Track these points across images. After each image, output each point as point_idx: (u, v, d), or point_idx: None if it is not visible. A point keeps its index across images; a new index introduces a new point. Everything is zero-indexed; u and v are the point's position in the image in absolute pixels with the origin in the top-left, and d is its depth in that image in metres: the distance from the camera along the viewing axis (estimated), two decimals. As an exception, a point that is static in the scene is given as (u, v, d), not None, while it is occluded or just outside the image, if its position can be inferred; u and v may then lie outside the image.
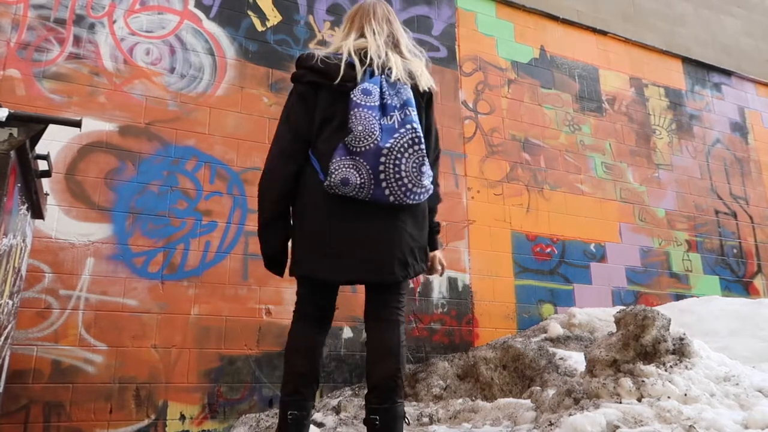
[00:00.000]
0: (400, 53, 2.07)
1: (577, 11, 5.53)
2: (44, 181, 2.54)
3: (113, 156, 3.47)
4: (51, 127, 2.07)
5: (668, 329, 2.55)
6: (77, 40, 3.55)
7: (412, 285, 4.07)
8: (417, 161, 1.84)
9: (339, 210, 1.87)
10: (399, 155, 1.82)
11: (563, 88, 5.23)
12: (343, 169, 1.80)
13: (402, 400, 1.90)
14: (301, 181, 1.95)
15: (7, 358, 2.50)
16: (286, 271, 2.05)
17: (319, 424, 2.98)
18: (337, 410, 3.19)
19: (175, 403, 3.25)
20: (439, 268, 2.22)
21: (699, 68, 6.14)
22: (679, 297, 4.99)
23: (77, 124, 2.18)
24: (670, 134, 5.67)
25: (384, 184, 1.81)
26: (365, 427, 1.89)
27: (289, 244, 2.03)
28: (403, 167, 1.81)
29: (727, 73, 6.31)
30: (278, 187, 1.95)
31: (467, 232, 4.38)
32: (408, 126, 1.86)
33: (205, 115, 3.76)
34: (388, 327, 1.97)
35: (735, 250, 5.57)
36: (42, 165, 2.34)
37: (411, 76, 2.02)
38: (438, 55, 4.72)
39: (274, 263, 2.04)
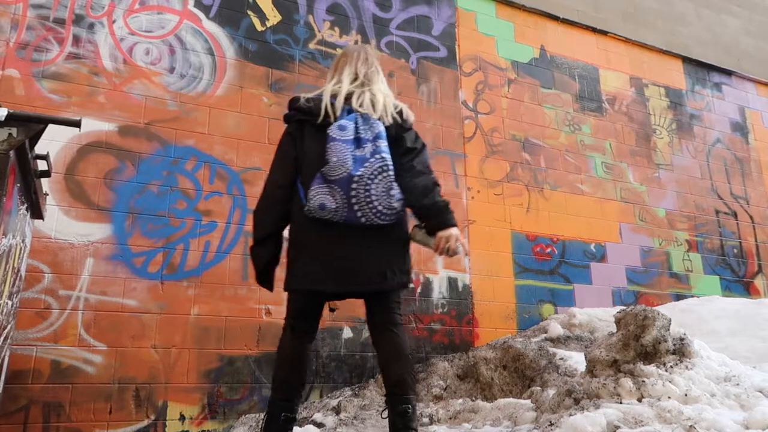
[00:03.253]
0: (371, 91, 2.32)
1: (577, 11, 5.52)
2: (44, 181, 2.54)
3: (113, 156, 3.46)
4: (50, 127, 2.07)
5: (668, 329, 2.55)
6: (76, 39, 3.55)
7: (412, 285, 4.06)
8: (386, 186, 2.09)
9: (321, 230, 2.11)
10: (369, 181, 2.07)
11: (563, 88, 5.23)
12: (320, 196, 2.07)
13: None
14: (292, 206, 2.21)
15: (6, 359, 2.50)
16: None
17: (319, 425, 2.98)
18: (337, 410, 3.19)
19: (174, 404, 3.25)
20: (454, 246, 2.18)
21: (699, 68, 6.13)
22: (679, 297, 4.99)
23: (77, 124, 2.18)
24: (670, 134, 5.67)
25: (356, 207, 2.07)
26: (386, 421, 2.09)
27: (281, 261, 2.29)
28: (373, 192, 2.07)
29: (728, 72, 6.30)
30: (271, 213, 2.24)
31: (467, 232, 4.37)
32: (378, 156, 2.12)
33: (204, 115, 3.75)
34: (393, 332, 2.17)
35: (735, 250, 5.57)
36: (41, 165, 2.34)
37: (384, 111, 2.28)
38: (438, 55, 4.72)
39: (263, 278, 2.29)
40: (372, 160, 2.10)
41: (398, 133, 2.27)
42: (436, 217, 2.19)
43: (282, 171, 2.25)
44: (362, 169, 2.07)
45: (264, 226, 2.24)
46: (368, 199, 2.06)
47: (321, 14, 4.35)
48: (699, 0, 6.40)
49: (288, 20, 4.21)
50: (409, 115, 2.34)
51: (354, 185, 2.05)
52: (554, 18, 5.39)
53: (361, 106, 2.25)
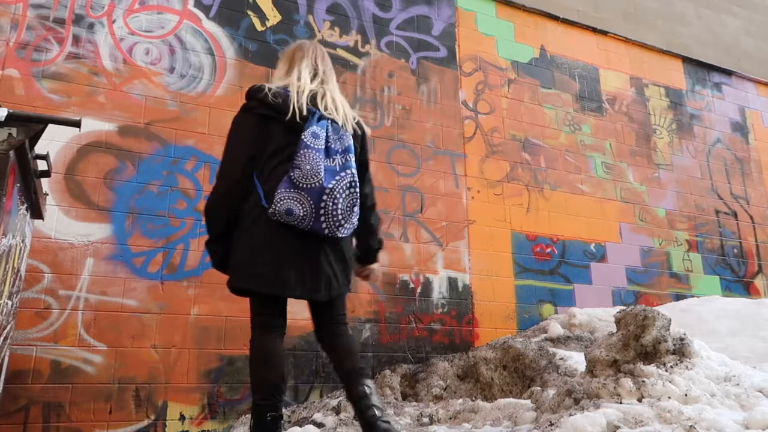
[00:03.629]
0: (330, 92, 2.31)
1: (577, 11, 5.52)
2: (43, 181, 2.54)
3: (113, 156, 3.46)
4: (50, 127, 2.07)
5: (668, 329, 2.55)
6: (76, 39, 3.55)
7: (412, 285, 4.07)
8: (351, 202, 2.14)
9: (283, 234, 2.09)
10: (338, 195, 2.10)
11: (563, 88, 5.23)
12: (288, 201, 2.05)
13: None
14: (248, 203, 2.15)
15: (6, 359, 2.50)
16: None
17: (319, 425, 2.98)
18: (337, 410, 3.19)
19: (174, 404, 3.25)
20: (374, 277, 2.57)
21: (699, 68, 6.13)
22: (679, 297, 4.99)
23: (77, 124, 2.18)
24: (670, 134, 5.67)
25: (323, 219, 2.08)
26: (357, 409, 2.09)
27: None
28: (340, 206, 2.10)
29: (728, 72, 6.30)
30: (227, 210, 2.16)
31: (467, 232, 4.37)
32: (348, 171, 2.14)
33: (204, 115, 3.75)
34: (343, 331, 2.24)
35: (735, 250, 5.57)
36: (41, 165, 2.34)
37: (345, 119, 2.28)
38: (438, 55, 4.71)
39: (222, 266, 2.26)
40: (342, 174, 2.13)
41: (362, 153, 2.34)
42: (375, 254, 2.45)
43: (238, 164, 2.15)
44: (333, 182, 2.09)
45: (219, 224, 2.17)
46: (334, 212, 2.09)
47: (321, 14, 4.35)
48: (699, 0, 6.40)
49: (288, 20, 4.21)
50: (368, 131, 2.41)
51: (324, 197, 2.07)
52: (554, 18, 5.39)
53: (326, 109, 2.24)
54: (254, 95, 2.21)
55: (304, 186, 2.05)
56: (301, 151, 2.09)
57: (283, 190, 2.05)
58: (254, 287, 2.12)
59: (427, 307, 4.07)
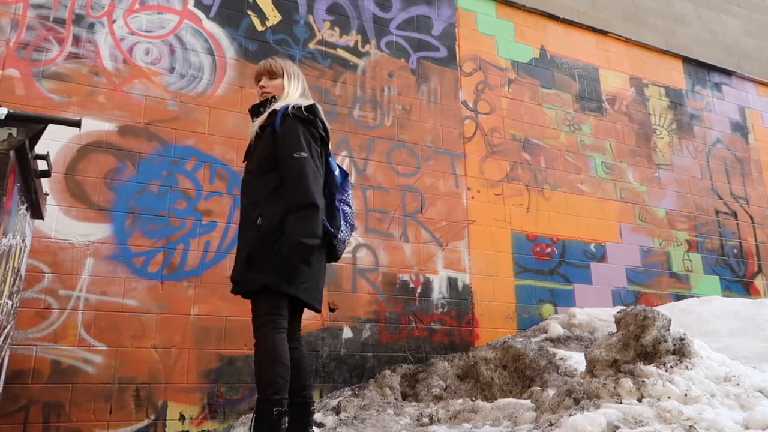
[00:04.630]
0: None
1: (577, 11, 5.52)
2: (44, 180, 2.54)
3: (113, 156, 3.46)
4: (50, 127, 2.07)
5: (668, 329, 2.55)
6: (77, 39, 3.55)
7: (412, 285, 4.07)
8: None
9: (320, 252, 2.29)
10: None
11: (563, 88, 5.23)
12: (346, 234, 2.36)
13: None
14: None
15: (6, 359, 2.50)
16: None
17: (319, 425, 2.98)
18: (337, 410, 3.19)
19: (174, 404, 3.24)
20: None
21: (699, 68, 6.13)
22: (679, 297, 4.99)
23: (77, 123, 2.18)
24: (670, 134, 5.67)
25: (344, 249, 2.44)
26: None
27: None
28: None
29: (728, 72, 6.30)
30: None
31: (467, 232, 4.37)
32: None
33: (204, 115, 3.75)
34: (301, 344, 2.39)
35: (735, 250, 5.57)
36: (41, 165, 2.34)
37: None
38: (438, 55, 4.71)
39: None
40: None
41: None
42: None
43: (321, 184, 2.24)
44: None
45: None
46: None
47: (321, 14, 4.35)
48: (699, 0, 6.40)
49: (288, 20, 4.21)
50: None
51: (351, 234, 2.43)
52: (554, 18, 5.39)
53: None
54: (315, 113, 2.33)
55: (351, 223, 2.40)
56: (350, 191, 2.41)
57: (344, 223, 2.36)
58: (304, 297, 2.22)
59: (427, 307, 4.07)
